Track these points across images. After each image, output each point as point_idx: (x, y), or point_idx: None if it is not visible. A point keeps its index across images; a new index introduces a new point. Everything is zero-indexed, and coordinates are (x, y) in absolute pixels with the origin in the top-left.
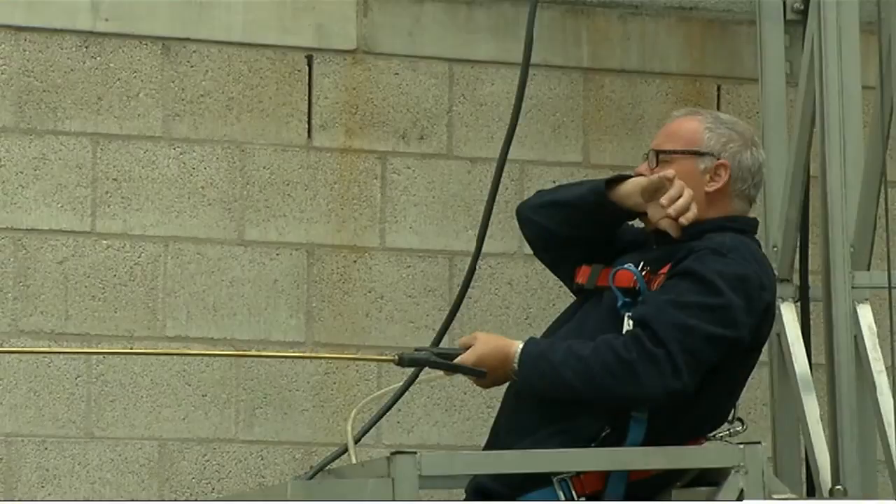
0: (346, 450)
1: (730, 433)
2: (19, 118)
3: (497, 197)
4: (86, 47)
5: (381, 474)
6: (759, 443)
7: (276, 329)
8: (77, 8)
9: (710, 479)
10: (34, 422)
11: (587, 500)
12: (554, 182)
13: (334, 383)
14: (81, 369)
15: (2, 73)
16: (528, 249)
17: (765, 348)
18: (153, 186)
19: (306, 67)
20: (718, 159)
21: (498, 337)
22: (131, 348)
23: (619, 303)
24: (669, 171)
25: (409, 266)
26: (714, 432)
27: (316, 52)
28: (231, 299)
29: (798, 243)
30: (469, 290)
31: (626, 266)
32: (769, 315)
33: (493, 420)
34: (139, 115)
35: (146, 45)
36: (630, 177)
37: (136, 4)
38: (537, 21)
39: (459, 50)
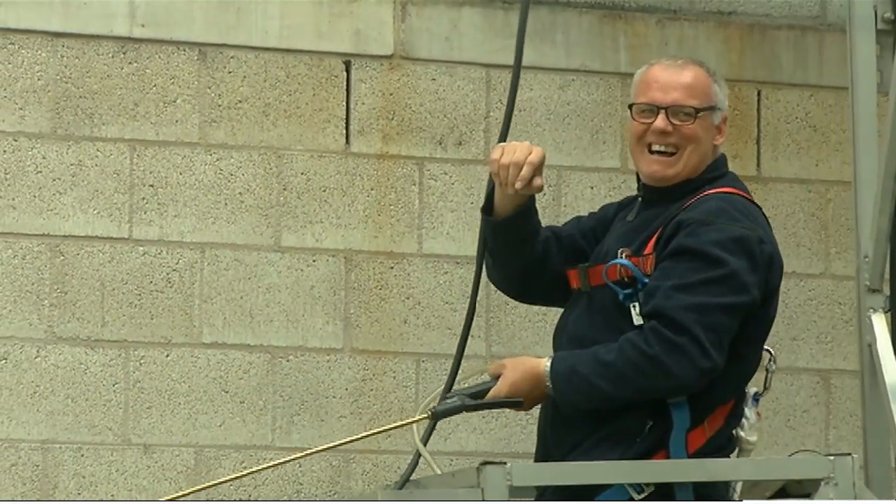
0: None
1: (769, 371)
2: (56, 124)
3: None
4: (123, 53)
5: (470, 484)
6: (849, 454)
7: (312, 335)
8: (114, 14)
9: (794, 488)
10: (71, 428)
11: (656, 491)
12: (592, 188)
13: (371, 390)
14: (119, 376)
15: (38, 80)
16: None
17: (856, 358)
18: (190, 192)
19: (343, 73)
20: (722, 112)
21: (524, 359)
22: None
23: (621, 296)
24: (495, 152)
25: (447, 272)
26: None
27: (353, 57)
28: (268, 306)
29: (889, 253)
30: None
31: (615, 262)
32: (774, 264)
33: (534, 427)
34: (176, 122)
35: (183, 50)
36: (492, 190)
37: (173, 10)
38: (575, 26)
39: (497, 55)
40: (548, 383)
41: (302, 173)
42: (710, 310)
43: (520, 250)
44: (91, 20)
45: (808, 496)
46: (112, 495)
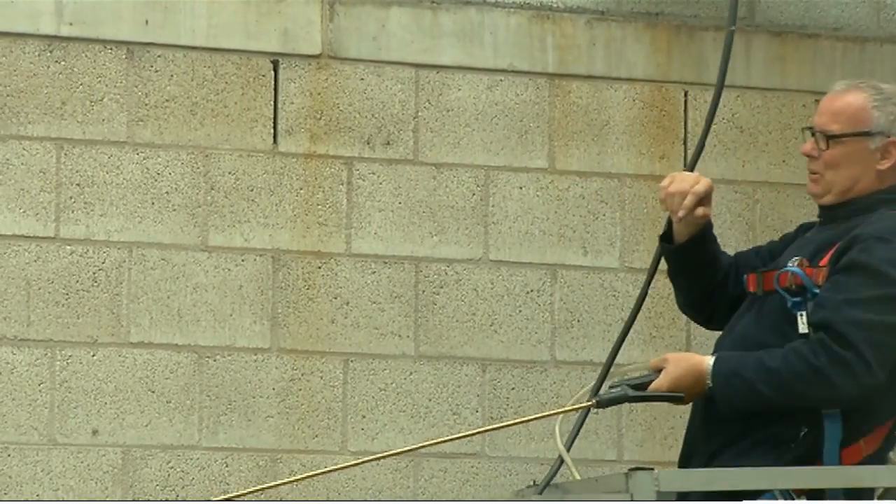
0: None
1: None
2: None
3: (462, 203)
4: (49, 51)
5: (617, 490)
6: None
7: (240, 335)
8: (41, 12)
9: None
10: None
11: (809, 498)
12: (520, 188)
13: (299, 390)
14: (45, 376)
15: None
16: (493, 255)
17: None
18: (117, 192)
19: (271, 72)
20: (888, 137)
21: (688, 355)
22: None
23: (790, 304)
24: (665, 181)
25: (375, 272)
26: None
27: (281, 56)
28: (195, 305)
29: None
30: (435, 296)
31: (787, 268)
32: None
33: (449, 426)
34: (103, 120)
35: (110, 49)
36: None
37: (101, 8)
38: (503, 27)
39: (425, 55)
40: (709, 382)
41: (229, 173)
42: (878, 328)
43: (698, 277)
44: (17, 18)
45: None
46: (38, 495)
